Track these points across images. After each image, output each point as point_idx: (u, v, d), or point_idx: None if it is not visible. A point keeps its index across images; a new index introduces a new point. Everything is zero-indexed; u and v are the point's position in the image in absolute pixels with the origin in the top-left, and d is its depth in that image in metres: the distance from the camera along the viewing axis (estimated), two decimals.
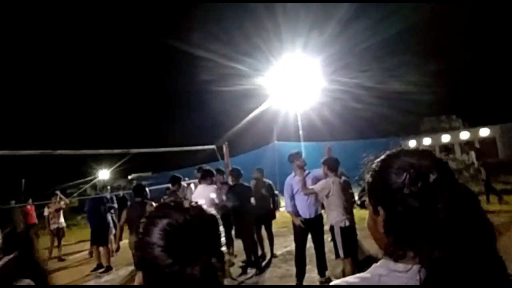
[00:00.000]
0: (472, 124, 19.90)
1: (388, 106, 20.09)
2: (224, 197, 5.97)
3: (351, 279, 0.85)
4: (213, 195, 5.60)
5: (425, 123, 22.76)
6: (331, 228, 4.72)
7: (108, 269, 7.22)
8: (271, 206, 7.30)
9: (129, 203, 7.67)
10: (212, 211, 0.92)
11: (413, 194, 0.77)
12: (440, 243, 0.73)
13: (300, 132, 15.16)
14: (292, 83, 15.05)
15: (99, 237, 7.45)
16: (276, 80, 15.20)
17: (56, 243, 8.96)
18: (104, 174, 20.71)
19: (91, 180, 17.67)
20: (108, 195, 8.51)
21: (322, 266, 5.19)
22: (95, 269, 7.31)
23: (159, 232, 0.82)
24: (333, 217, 4.67)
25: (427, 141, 19.14)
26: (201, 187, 5.82)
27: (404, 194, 0.78)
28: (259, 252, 6.53)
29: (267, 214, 7.05)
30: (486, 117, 18.84)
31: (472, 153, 15.23)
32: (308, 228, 5.14)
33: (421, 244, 0.75)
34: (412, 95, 19.31)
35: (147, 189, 5.65)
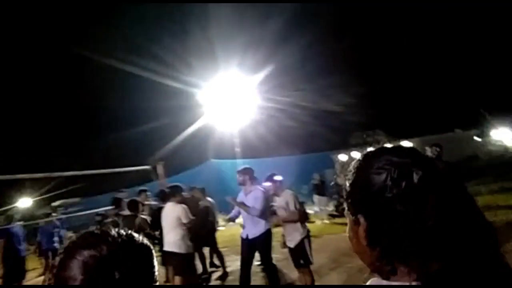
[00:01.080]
0: (395, 137, 21.52)
1: (319, 124, 21.06)
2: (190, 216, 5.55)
3: None
4: (180, 215, 5.37)
5: (353, 138, 24.30)
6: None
7: None
8: (214, 225, 7.26)
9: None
10: (145, 240, 0.82)
11: (396, 196, 0.66)
12: (435, 253, 0.62)
13: (237, 149, 15.18)
14: (227, 100, 15.10)
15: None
16: (210, 97, 15.16)
17: None
18: (24, 202, 18.90)
19: (7, 210, 16.01)
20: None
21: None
22: None
23: (79, 266, 0.72)
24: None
25: (355, 154, 20.25)
26: (167, 205, 5.57)
27: (386, 197, 0.67)
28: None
29: (209, 233, 6.94)
30: (407, 131, 20.59)
31: None
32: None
33: (414, 257, 0.64)
34: (341, 114, 20.54)
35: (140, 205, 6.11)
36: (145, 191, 7.62)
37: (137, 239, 0.81)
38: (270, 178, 4.94)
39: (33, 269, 9.38)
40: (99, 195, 14.18)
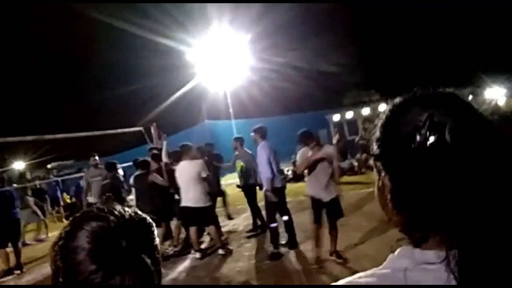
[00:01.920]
0: (389, 96, 21.48)
1: (313, 84, 20.88)
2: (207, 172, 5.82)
3: (363, 278, 0.63)
4: (200, 170, 5.61)
5: (348, 98, 24.23)
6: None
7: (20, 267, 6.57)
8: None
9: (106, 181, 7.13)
10: (145, 215, 0.85)
11: (424, 154, 0.57)
12: (469, 218, 0.54)
13: (230, 110, 15.11)
14: (220, 60, 14.83)
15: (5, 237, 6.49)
16: (203, 57, 14.85)
17: None
18: (19, 164, 18.91)
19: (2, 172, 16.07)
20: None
21: None
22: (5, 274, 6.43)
23: (87, 235, 0.74)
24: None
25: (349, 114, 20.27)
26: (184, 163, 5.69)
27: (412, 155, 0.58)
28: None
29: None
30: (401, 89, 20.52)
31: None
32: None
33: (445, 223, 0.56)
34: (335, 74, 20.31)
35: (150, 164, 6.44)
36: (154, 148, 7.70)
37: (141, 214, 0.83)
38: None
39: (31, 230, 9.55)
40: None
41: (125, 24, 16.90)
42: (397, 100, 0.67)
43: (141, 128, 9.16)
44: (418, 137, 0.57)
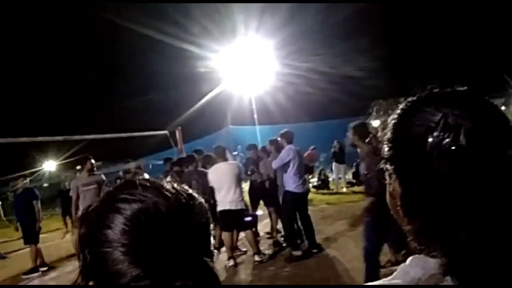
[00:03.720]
0: None
1: (338, 90, 20.61)
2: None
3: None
4: (239, 171, 5.66)
5: (373, 105, 23.83)
6: None
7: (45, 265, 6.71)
8: None
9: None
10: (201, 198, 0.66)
11: (437, 158, 0.52)
12: (488, 226, 0.50)
13: (255, 115, 15.13)
14: (246, 66, 14.92)
15: (31, 235, 6.63)
16: (229, 63, 14.99)
17: None
18: (49, 165, 19.54)
19: (34, 172, 16.61)
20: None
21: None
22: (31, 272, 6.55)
23: (123, 223, 0.54)
24: None
25: (376, 123, 19.92)
26: (223, 164, 5.59)
27: (424, 158, 0.53)
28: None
29: None
30: None
31: None
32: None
33: (461, 231, 0.52)
34: (361, 79, 19.97)
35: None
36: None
37: (197, 196, 0.63)
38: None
39: (57, 229, 9.83)
40: (118, 160, 14.48)
41: (154, 31, 17.28)
42: (410, 98, 0.63)
43: (166, 132, 9.30)
44: (430, 139, 0.53)
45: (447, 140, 0.51)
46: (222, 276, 4.13)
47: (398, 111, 0.62)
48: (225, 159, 5.70)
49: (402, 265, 0.59)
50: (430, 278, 0.54)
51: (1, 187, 11.58)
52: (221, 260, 5.59)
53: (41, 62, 24.44)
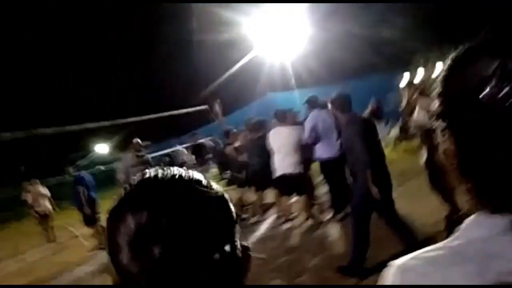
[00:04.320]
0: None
1: (376, 52, 19.72)
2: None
3: (431, 252, 0.54)
4: (301, 136, 5.42)
5: (418, 56, 22.57)
6: None
7: None
8: None
9: None
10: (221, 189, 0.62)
11: (495, 108, 0.47)
12: None
13: (293, 81, 14.85)
14: (278, 30, 14.51)
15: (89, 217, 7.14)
16: (261, 29, 14.63)
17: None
18: (101, 148, 20.48)
19: (87, 155, 17.54)
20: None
21: None
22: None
23: (132, 225, 0.52)
24: None
25: (421, 71, 18.95)
26: (282, 129, 5.49)
27: (481, 110, 0.48)
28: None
29: None
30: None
31: None
32: None
33: None
34: (400, 40, 18.94)
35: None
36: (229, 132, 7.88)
37: (216, 187, 0.61)
38: None
39: None
40: (162, 139, 14.85)
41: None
42: (462, 48, 0.56)
43: (205, 107, 9.32)
44: (487, 90, 0.48)
45: (505, 90, 0.46)
46: (278, 239, 4.17)
47: (449, 63, 0.56)
48: (291, 123, 5.60)
49: (462, 225, 0.54)
50: (497, 237, 0.47)
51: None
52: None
53: (84, 43, 25.09)
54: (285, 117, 5.63)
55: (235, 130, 7.69)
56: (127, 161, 6.26)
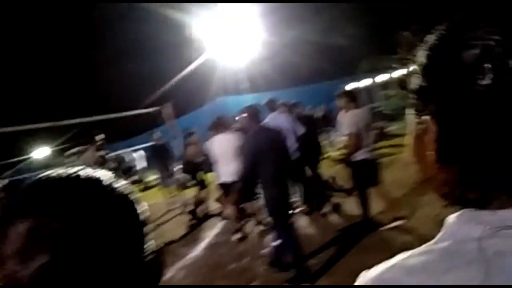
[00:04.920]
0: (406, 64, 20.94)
1: (326, 58, 20.44)
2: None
3: (415, 257, 0.46)
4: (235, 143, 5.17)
5: (363, 65, 23.61)
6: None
7: None
8: None
9: None
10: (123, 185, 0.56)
11: (489, 87, 0.41)
12: None
13: (243, 85, 14.88)
14: (231, 35, 14.51)
15: None
16: (213, 32, 14.54)
17: None
18: (40, 152, 19.23)
19: (25, 160, 16.38)
20: None
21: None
22: None
23: (17, 237, 0.47)
24: None
25: (366, 81, 19.82)
26: (223, 136, 5.31)
27: (477, 87, 0.41)
28: None
29: None
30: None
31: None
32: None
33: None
34: (349, 46, 19.81)
35: None
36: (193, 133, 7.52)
37: (117, 187, 0.55)
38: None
39: None
40: (114, 142, 14.22)
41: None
42: (454, 15, 0.47)
43: (156, 108, 9.05)
44: (488, 63, 0.41)
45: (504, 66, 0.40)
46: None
47: (437, 33, 0.48)
48: (229, 130, 5.47)
49: (447, 223, 0.47)
50: (492, 234, 0.41)
51: None
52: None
53: (15, 48, 23.52)
54: (225, 124, 5.55)
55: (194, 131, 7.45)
56: (86, 160, 5.50)
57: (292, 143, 5.35)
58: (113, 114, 8.56)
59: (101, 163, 5.30)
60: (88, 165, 0.57)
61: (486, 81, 0.40)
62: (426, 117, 0.48)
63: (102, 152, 5.53)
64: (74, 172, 0.53)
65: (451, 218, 0.47)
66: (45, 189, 0.51)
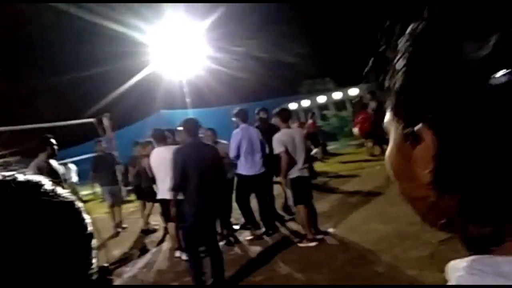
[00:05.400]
0: (344, 85, 22.13)
1: (270, 74, 21.06)
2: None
3: None
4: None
5: (303, 86, 24.66)
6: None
7: None
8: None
9: None
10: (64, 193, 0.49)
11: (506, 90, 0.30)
12: None
13: (187, 99, 14.83)
14: (176, 48, 14.45)
15: None
16: (158, 44, 14.39)
17: None
18: None
19: None
20: None
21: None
22: None
23: None
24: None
25: (305, 102, 20.63)
26: (160, 149, 5.03)
27: (488, 97, 0.31)
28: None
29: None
30: (356, 78, 21.26)
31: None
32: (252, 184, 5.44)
33: None
34: (292, 64, 20.62)
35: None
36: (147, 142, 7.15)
37: (60, 194, 0.48)
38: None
39: None
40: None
41: (76, 8, 15.95)
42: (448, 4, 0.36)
43: (93, 120, 8.74)
44: (499, 61, 0.31)
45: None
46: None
47: (425, 24, 0.37)
48: (164, 143, 5.19)
49: (455, 273, 0.37)
50: None
51: None
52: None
53: None
54: (163, 137, 5.29)
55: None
56: (38, 166, 4.88)
57: (259, 157, 5.43)
58: (46, 124, 8.13)
59: (48, 171, 4.73)
60: (37, 172, 0.51)
61: (504, 79, 0.31)
62: (418, 126, 0.37)
63: (53, 160, 4.99)
64: (11, 175, 0.46)
65: (461, 265, 0.37)
66: None
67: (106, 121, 8.60)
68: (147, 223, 6.79)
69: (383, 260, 3.94)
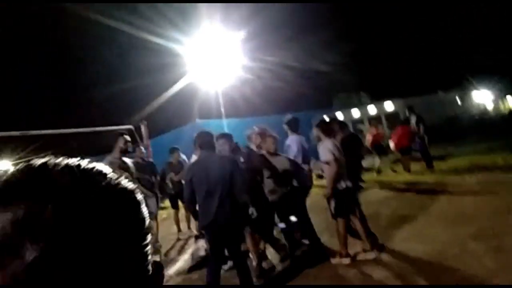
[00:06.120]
0: (378, 98, 21.68)
1: (305, 84, 20.94)
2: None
3: None
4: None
5: (338, 99, 24.39)
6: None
7: None
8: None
9: None
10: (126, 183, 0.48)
11: None
12: None
13: (222, 109, 14.97)
14: (212, 59, 14.69)
15: None
16: (194, 55, 14.70)
17: None
18: (3, 164, 18.41)
19: None
20: None
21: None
22: None
23: None
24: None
25: (339, 115, 20.38)
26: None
27: None
28: None
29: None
30: (390, 92, 20.77)
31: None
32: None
33: None
34: (327, 73, 20.43)
35: None
36: (177, 149, 7.28)
37: (121, 182, 0.47)
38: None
39: None
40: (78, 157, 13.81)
41: (117, 22, 16.65)
42: None
43: (131, 126, 8.94)
44: None
45: None
46: None
47: None
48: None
49: None
50: None
51: None
52: None
53: None
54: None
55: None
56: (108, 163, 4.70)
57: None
58: (82, 129, 8.42)
59: (121, 167, 4.72)
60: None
61: None
62: None
63: (126, 158, 5.04)
64: (75, 161, 0.46)
65: None
66: (38, 176, 0.42)
67: (143, 128, 8.78)
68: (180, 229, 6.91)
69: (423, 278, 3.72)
